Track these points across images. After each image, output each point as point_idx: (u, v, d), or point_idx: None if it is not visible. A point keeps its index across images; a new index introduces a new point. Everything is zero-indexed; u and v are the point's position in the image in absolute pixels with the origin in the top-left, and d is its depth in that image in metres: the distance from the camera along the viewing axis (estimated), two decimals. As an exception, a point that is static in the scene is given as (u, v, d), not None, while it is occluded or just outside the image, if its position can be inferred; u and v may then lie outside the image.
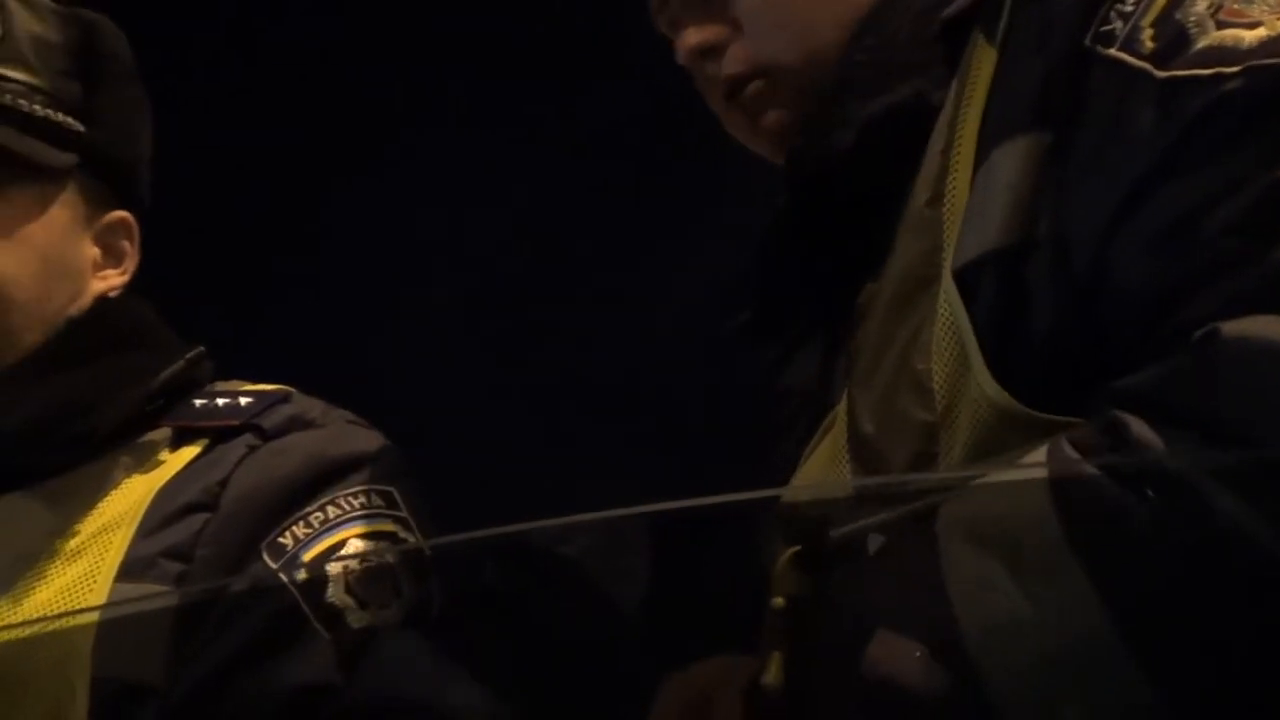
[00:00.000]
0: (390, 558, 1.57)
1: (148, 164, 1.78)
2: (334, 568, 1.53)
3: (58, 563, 1.53)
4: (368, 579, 1.53)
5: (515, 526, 1.12)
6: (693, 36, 1.40)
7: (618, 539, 1.25)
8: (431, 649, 1.52)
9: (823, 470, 1.30)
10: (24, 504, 1.57)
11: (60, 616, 1.52)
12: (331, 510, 1.56)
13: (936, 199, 1.26)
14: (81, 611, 1.52)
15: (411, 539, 1.58)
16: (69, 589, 1.50)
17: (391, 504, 1.58)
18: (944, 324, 1.21)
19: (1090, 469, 1.09)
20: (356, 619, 1.50)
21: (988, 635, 1.08)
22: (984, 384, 1.17)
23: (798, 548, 1.12)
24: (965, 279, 1.20)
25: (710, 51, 1.39)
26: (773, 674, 1.11)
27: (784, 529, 1.13)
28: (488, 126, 2.71)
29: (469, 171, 2.69)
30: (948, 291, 1.21)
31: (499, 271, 2.70)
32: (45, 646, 1.48)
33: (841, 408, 1.29)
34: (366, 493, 1.57)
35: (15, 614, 1.50)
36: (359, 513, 1.56)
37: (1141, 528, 1.06)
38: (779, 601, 1.11)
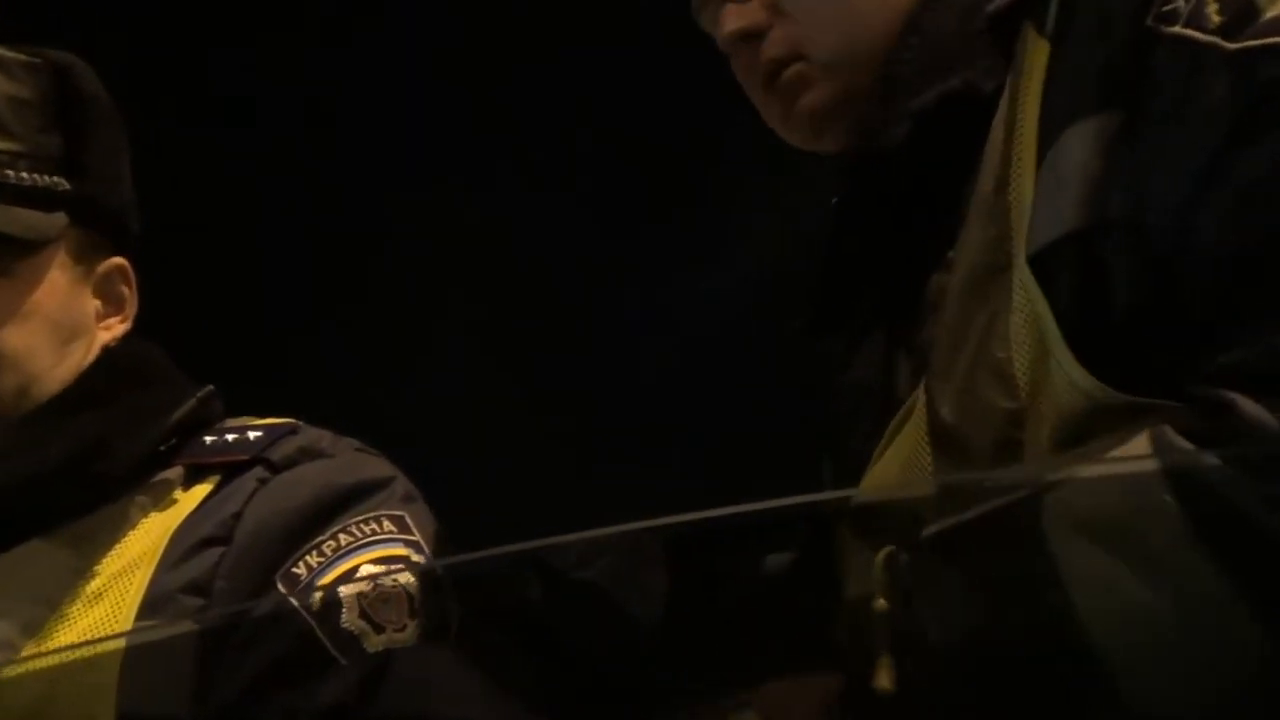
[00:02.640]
0: (403, 580, 1.58)
1: (133, 203, 1.79)
2: (347, 592, 1.55)
3: (80, 604, 1.55)
4: (382, 603, 1.54)
5: (540, 541, 1.11)
6: (732, 21, 1.40)
7: (641, 556, 1.23)
8: (449, 670, 1.54)
9: (903, 463, 1.27)
10: (45, 548, 1.59)
11: (83, 645, 1.54)
12: (343, 538, 1.57)
13: (1002, 187, 1.25)
14: (100, 640, 1.55)
15: (427, 562, 1.59)
16: (92, 630, 1.53)
17: (403, 528, 1.60)
18: (1021, 311, 1.19)
19: (1209, 459, 1.06)
20: (372, 643, 1.51)
21: (1116, 633, 1.05)
22: (1069, 369, 1.16)
23: (891, 548, 1.09)
24: (1041, 264, 1.19)
25: (750, 36, 1.39)
26: (883, 679, 1.07)
27: (871, 529, 1.10)
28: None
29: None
30: (1023, 278, 1.19)
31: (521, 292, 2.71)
32: (71, 685, 1.49)
33: (919, 399, 1.27)
34: (378, 519, 1.59)
35: (40, 660, 1.52)
36: (370, 539, 1.58)
37: (1270, 514, 1.03)
38: (881, 604, 1.08)
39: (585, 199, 2.69)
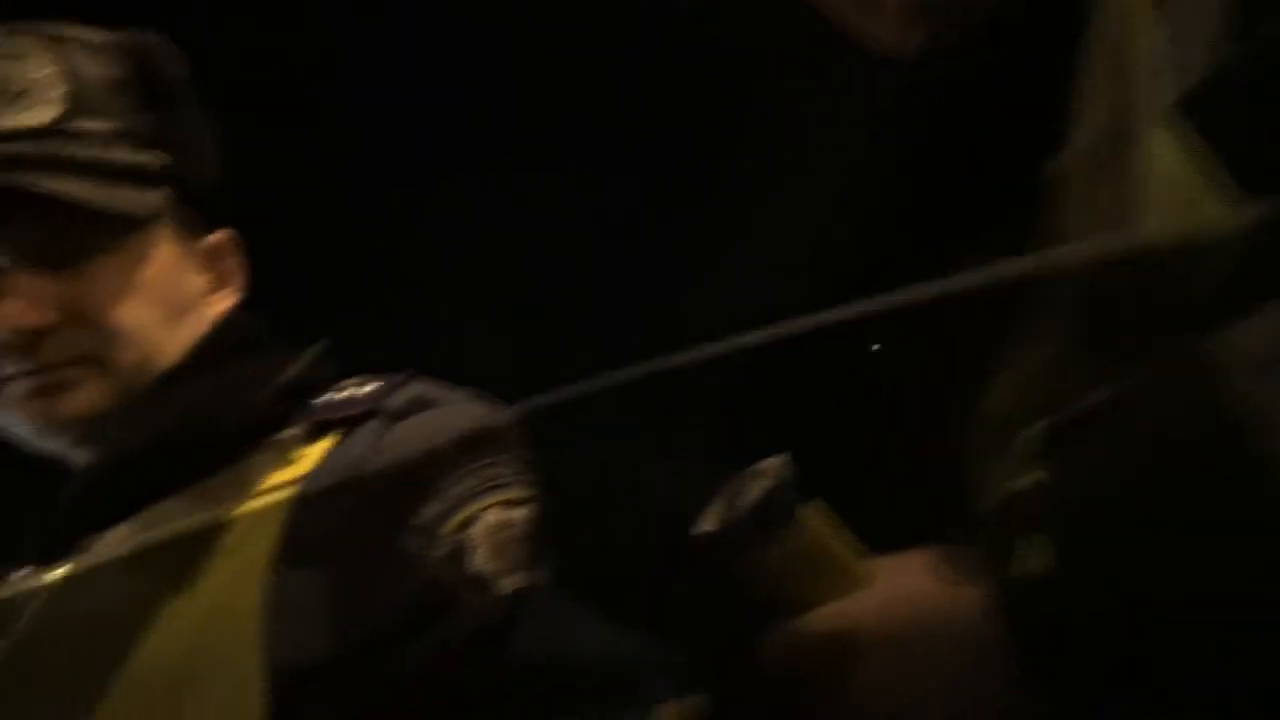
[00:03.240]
0: (530, 522, 1.61)
1: (227, 177, 1.80)
2: (475, 536, 1.57)
3: (217, 559, 1.57)
4: (509, 545, 1.58)
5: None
6: None
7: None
8: (577, 609, 1.56)
9: (1057, 350, 1.15)
10: (174, 508, 1.63)
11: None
12: (467, 482, 1.59)
13: (1122, 41, 1.15)
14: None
15: (545, 502, 1.61)
16: (230, 582, 1.55)
17: (523, 471, 1.62)
18: (1166, 169, 1.09)
19: None
20: (502, 585, 1.55)
21: None
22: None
23: (1048, 419, 1.05)
24: (1186, 111, 1.09)
25: None
26: (1034, 559, 1.03)
27: (1019, 403, 1.06)
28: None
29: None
30: (1163, 137, 1.10)
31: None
32: (219, 638, 1.53)
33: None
34: (498, 463, 1.61)
35: (184, 610, 1.55)
36: (493, 483, 1.60)
37: None
38: (1034, 478, 1.05)
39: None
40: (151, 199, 1.72)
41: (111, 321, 1.68)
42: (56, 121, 1.68)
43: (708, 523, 1.18)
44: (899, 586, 1.13)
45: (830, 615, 1.14)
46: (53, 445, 1.71)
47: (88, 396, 1.68)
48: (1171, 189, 1.08)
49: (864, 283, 1.25)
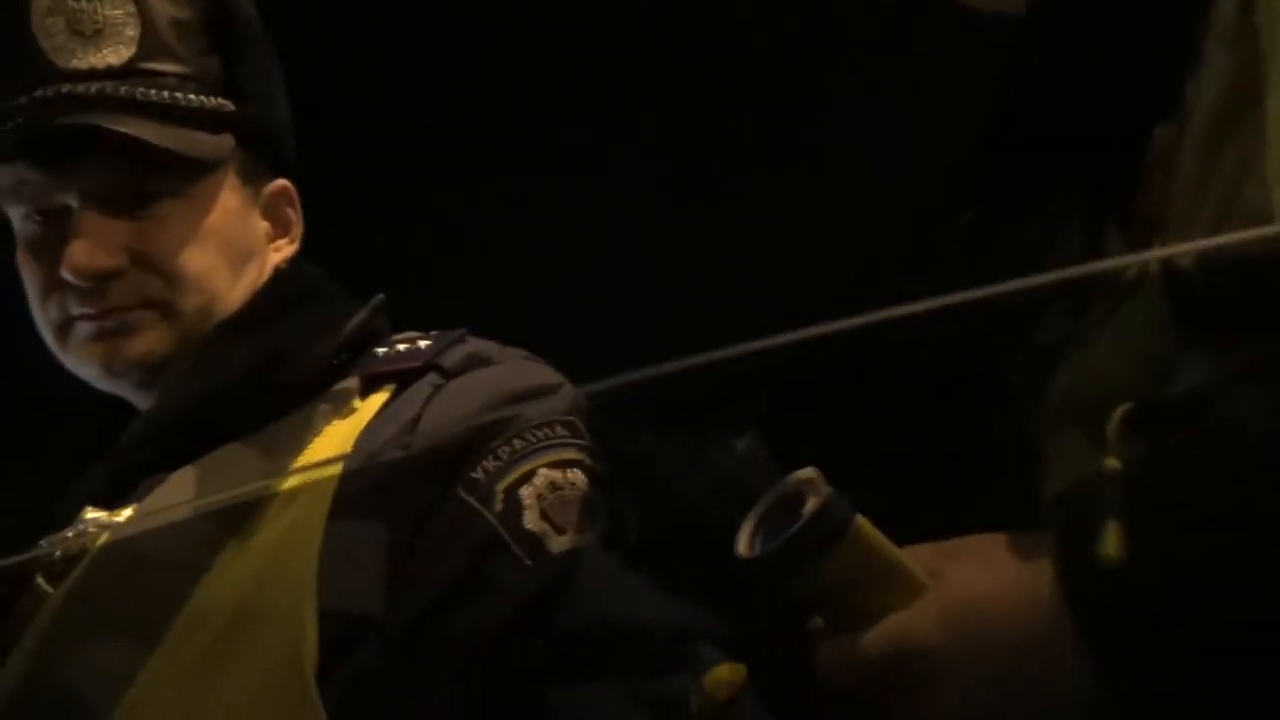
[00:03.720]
0: (582, 482, 1.62)
1: (290, 125, 1.82)
2: (528, 495, 1.59)
3: (275, 506, 1.59)
4: (563, 505, 1.59)
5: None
6: None
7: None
8: (629, 570, 1.58)
9: (1140, 335, 1.14)
10: (240, 452, 1.65)
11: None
12: (518, 443, 1.61)
13: (1247, 3, 1.11)
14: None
15: (599, 465, 1.63)
16: (288, 531, 1.57)
17: (576, 433, 1.63)
18: (1279, 135, 1.06)
19: None
20: (555, 544, 1.56)
21: None
22: None
23: (1129, 405, 1.03)
24: None
25: None
26: (1111, 545, 1.01)
27: (1103, 386, 1.04)
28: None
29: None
30: None
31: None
32: (276, 583, 1.55)
33: (1149, 272, 1.14)
34: (550, 424, 1.62)
35: (243, 556, 1.57)
36: (545, 443, 1.61)
37: None
38: (1113, 464, 1.03)
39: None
40: (220, 143, 1.73)
41: (178, 267, 1.70)
42: (130, 62, 1.70)
43: (749, 542, 1.15)
44: (958, 590, 1.10)
45: (892, 630, 1.11)
46: (117, 387, 1.73)
47: (151, 340, 1.70)
48: None
49: (951, 257, 1.26)
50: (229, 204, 1.74)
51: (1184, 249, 1.07)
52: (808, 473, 1.15)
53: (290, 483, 1.61)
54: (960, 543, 1.14)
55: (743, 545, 1.16)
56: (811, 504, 1.13)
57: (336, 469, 1.60)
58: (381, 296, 1.79)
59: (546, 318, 2.50)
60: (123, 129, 1.67)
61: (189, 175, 1.71)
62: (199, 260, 1.71)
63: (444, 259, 2.66)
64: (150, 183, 1.70)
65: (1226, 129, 1.11)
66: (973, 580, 1.10)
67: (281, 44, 1.82)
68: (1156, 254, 1.09)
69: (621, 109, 2.61)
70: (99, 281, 1.68)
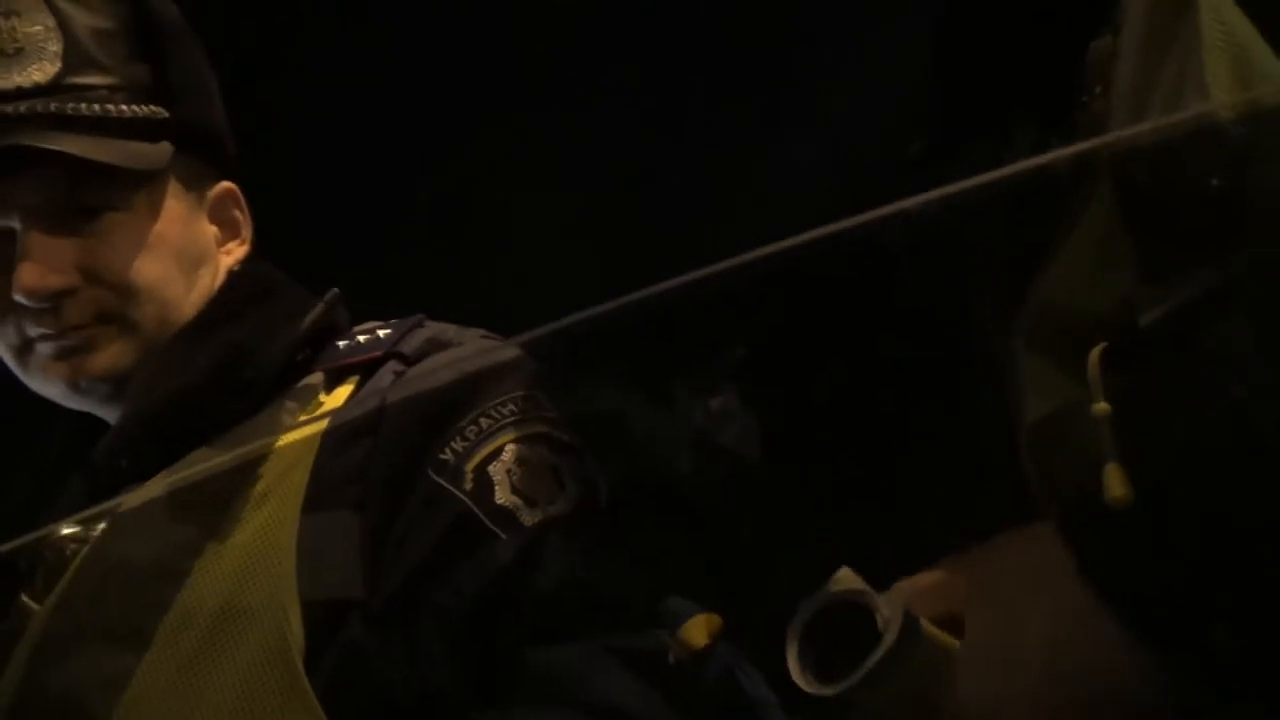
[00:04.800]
0: (550, 455, 1.64)
1: (227, 126, 1.81)
2: (498, 471, 1.61)
3: (250, 505, 1.61)
4: (532, 477, 1.60)
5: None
6: None
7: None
8: (603, 539, 1.59)
9: (1097, 248, 1.12)
10: (207, 457, 1.65)
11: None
12: (484, 421, 1.62)
13: None
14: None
15: (565, 435, 1.64)
16: (264, 528, 1.59)
17: (539, 405, 1.65)
18: (1219, 48, 1.05)
19: None
20: (527, 518, 1.58)
21: None
22: None
23: (1104, 345, 1.01)
24: None
25: None
26: (1116, 488, 1.01)
27: (1074, 326, 1.01)
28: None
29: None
30: (1217, 4, 1.05)
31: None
32: (257, 579, 1.57)
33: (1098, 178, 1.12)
34: (514, 399, 1.64)
35: (223, 556, 1.59)
36: (511, 419, 1.62)
37: None
38: (1103, 408, 1.02)
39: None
40: (158, 152, 1.72)
41: (129, 279, 1.70)
42: (57, 78, 1.68)
43: (805, 667, 1.13)
44: (996, 654, 1.10)
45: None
46: (84, 404, 1.75)
47: (113, 355, 1.71)
48: (1232, 60, 1.04)
49: (907, 172, 1.24)
50: (174, 211, 1.74)
51: (1108, 139, 1.05)
52: (853, 581, 1.14)
53: (261, 474, 1.63)
54: (980, 582, 1.14)
55: (803, 676, 1.15)
56: (889, 627, 1.11)
57: (315, 428, 1.62)
58: (336, 291, 1.80)
59: (525, 251, 2.50)
60: (56, 146, 1.66)
61: (130, 187, 1.71)
62: (150, 271, 1.71)
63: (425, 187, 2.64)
64: (92, 198, 1.70)
65: (1162, 37, 1.10)
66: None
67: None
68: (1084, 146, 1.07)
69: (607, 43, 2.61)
70: (52, 301, 1.69)
